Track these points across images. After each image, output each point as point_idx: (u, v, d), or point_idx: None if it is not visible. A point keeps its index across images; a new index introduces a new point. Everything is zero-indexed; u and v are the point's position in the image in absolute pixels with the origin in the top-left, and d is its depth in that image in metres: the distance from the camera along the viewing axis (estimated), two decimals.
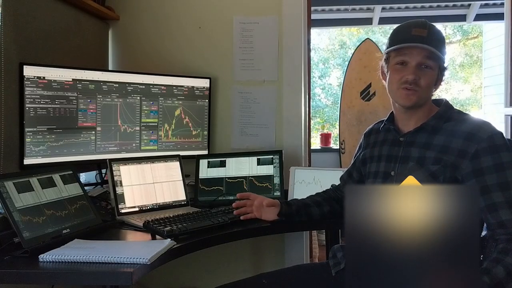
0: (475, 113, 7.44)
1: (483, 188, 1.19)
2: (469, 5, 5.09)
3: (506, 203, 1.16)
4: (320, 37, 8.99)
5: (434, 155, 1.26)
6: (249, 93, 2.28)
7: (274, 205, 1.59)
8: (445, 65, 1.32)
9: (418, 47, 1.25)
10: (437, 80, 1.31)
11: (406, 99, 1.28)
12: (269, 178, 2.01)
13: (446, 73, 1.34)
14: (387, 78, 1.35)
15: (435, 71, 1.29)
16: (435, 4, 5.01)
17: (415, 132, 1.32)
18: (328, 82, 9.13)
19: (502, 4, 3.66)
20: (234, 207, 1.64)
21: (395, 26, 1.38)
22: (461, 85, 9.34)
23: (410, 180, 1.28)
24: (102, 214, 1.65)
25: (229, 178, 2.02)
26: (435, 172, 1.24)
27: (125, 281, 1.14)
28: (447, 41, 9.20)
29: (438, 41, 1.27)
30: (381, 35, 8.44)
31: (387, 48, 1.33)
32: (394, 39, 1.31)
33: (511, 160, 1.19)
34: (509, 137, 1.33)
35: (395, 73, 1.31)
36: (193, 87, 2.19)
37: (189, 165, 2.03)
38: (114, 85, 1.95)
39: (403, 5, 5.00)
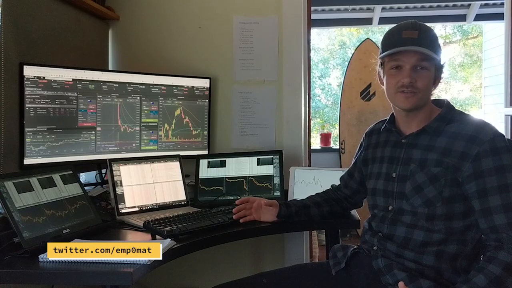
0: (475, 113, 7.44)
1: (481, 190, 1.19)
2: (469, 5, 5.09)
3: (502, 206, 1.17)
4: (320, 37, 8.99)
5: (436, 157, 1.26)
6: (249, 93, 2.28)
7: (272, 205, 1.61)
8: (442, 62, 1.31)
9: (410, 50, 1.25)
10: (435, 79, 1.31)
11: (405, 102, 1.29)
12: (269, 178, 2.01)
13: (444, 70, 1.34)
14: (384, 83, 1.36)
15: (431, 71, 1.28)
16: (435, 4, 5.01)
17: (417, 134, 1.32)
18: (328, 82, 9.13)
19: (502, 4, 3.66)
20: (234, 212, 1.64)
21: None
22: (461, 85, 9.34)
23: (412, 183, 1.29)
24: (102, 214, 1.65)
25: (229, 178, 2.02)
26: (436, 174, 1.24)
27: (125, 281, 1.14)
28: (447, 41, 9.23)
29: (430, 41, 1.27)
30: (381, 35, 8.35)
31: (380, 53, 1.33)
32: (386, 43, 1.32)
33: None
34: (509, 137, 1.33)
35: (391, 77, 1.31)
36: (193, 87, 2.19)
37: (189, 165, 2.03)
38: (114, 85, 1.95)
39: (403, 5, 5.00)
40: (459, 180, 1.22)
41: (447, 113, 1.32)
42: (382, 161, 1.41)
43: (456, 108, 1.35)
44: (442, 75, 1.33)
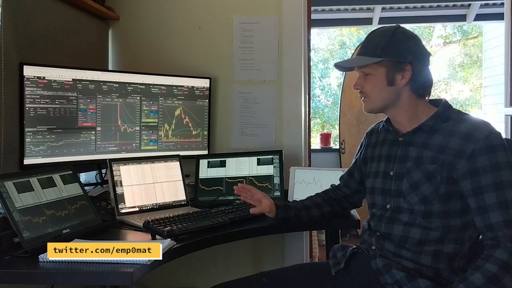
0: (475, 113, 7.44)
1: (477, 188, 1.19)
2: (469, 5, 5.09)
3: (498, 204, 1.17)
4: (320, 37, 8.99)
5: (431, 155, 1.26)
6: (249, 93, 2.28)
7: (271, 209, 1.59)
8: (401, 59, 1.27)
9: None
10: (393, 78, 1.29)
11: (364, 106, 1.39)
12: (269, 178, 2.01)
13: (417, 62, 1.29)
14: None
15: (377, 74, 1.32)
16: (435, 4, 5.00)
17: (414, 132, 1.33)
18: (328, 82, 9.13)
19: (502, 4, 3.66)
20: (237, 193, 1.64)
21: None
22: (461, 85, 9.34)
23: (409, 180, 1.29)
24: (102, 214, 1.65)
25: (229, 178, 2.02)
26: (432, 171, 1.25)
27: (125, 281, 1.14)
28: (447, 41, 9.21)
29: (371, 47, 1.32)
30: None
31: None
32: None
33: (507, 161, 1.19)
34: (509, 137, 1.33)
35: None
36: (193, 87, 2.19)
37: (189, 165, 2.04)
38: (114, 85, 1.95)
39: (403, 5, 5.00)
40: (454, 177, 1.22)
41: (444, 111, 1.32)
42: (380, 159, 1.41)
43: (455, 108, 1.35)
44: (406, 69, 1.28)
